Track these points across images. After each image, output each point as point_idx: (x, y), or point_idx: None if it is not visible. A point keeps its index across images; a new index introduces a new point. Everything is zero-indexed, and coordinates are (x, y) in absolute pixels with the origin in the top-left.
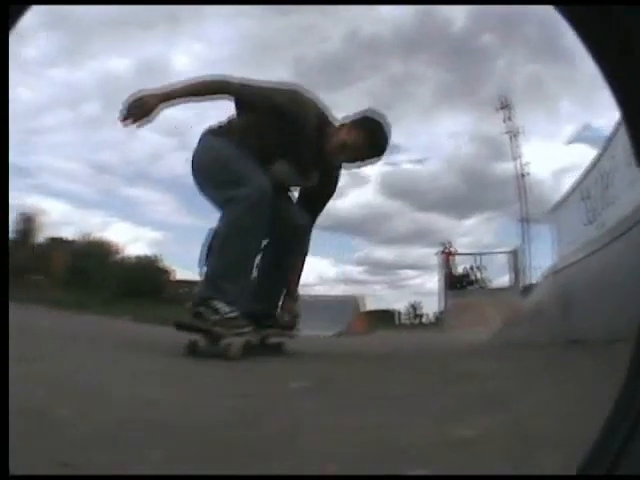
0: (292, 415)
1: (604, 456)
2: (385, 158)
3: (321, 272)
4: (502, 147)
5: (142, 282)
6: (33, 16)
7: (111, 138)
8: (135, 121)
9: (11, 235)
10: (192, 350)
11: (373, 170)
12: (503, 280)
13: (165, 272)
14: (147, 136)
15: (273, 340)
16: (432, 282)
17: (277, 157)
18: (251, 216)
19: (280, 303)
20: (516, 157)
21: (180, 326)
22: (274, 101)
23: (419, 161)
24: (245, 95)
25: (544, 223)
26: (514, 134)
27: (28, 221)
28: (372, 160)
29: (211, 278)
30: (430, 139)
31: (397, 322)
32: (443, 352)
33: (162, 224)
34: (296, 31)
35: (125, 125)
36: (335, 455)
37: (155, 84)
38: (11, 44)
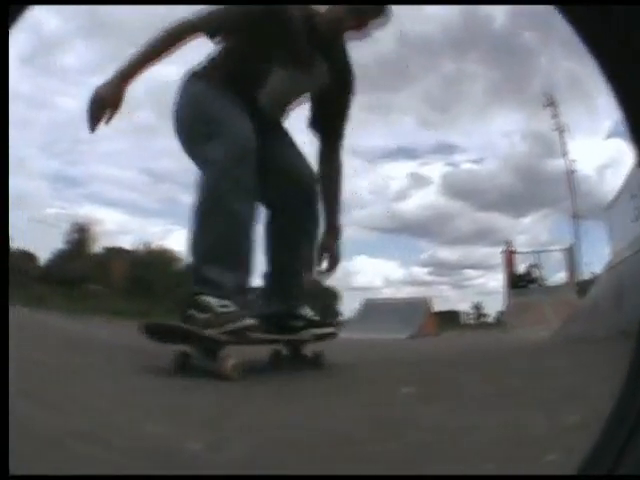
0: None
1: (604, 456)
2: (445, 158)
3: (388, 274)
4: (551, 144)
5: None
6: (69, 23)
7: (167, 146)
8: (104, 121)
9: (65, 246)
10: (181, 365)
11: (434, 171)
12: (558, 277)
13: None
14: None
15: (309, 350)
16: (494, 281)
17: (271, 71)
18: (232, 177)
19: (303, 289)
20: (564, 154)
21: (151, 330)
22: (247, 9)
23: (477, 161)
24: (214, 22)
25: (594, 219)
26: (561, 131)
27: (82, 231)
28: (377, 19)
29: (194, 268)
30: (485, 138)
31: (461, 323)
32: (515, 351)
33: None
34: None
35: (94, 131)
36: (493, 453)
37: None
38: (46, 54)
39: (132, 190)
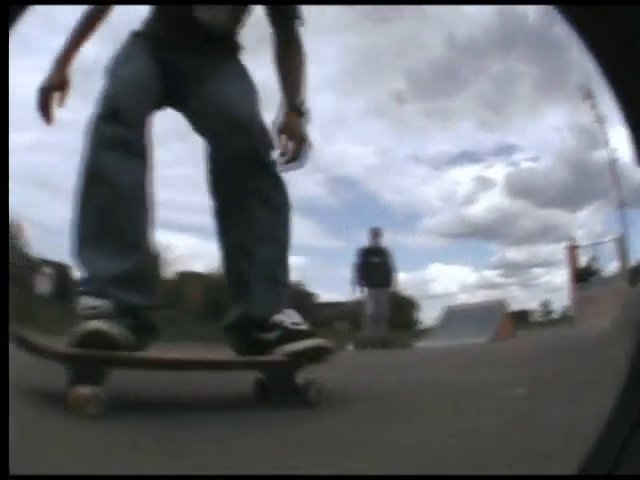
0: None
1: (605, 456)
2: (505, 159)
3: (462, 280)
4: (593, 136)
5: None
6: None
7: None
8: (57, 106)
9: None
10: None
11: (497, 173)
12: (611, 268)
13: (308, 295)
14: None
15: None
16: (558, 277)
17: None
18: (103, 138)
19: (278, 296)
20: (606, 144)
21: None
22: None
23: (534, 159)
24: None
25: (637, 208)
26: (601, 122)
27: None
28: None
29: (73, 257)
30: (538, 135)
31: (531, 321)
32: (594, 343)
33: (302, 249)
34: (397, 40)
35: (50, 121)
36: None
37: (270, 107)
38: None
39: (202, 214)
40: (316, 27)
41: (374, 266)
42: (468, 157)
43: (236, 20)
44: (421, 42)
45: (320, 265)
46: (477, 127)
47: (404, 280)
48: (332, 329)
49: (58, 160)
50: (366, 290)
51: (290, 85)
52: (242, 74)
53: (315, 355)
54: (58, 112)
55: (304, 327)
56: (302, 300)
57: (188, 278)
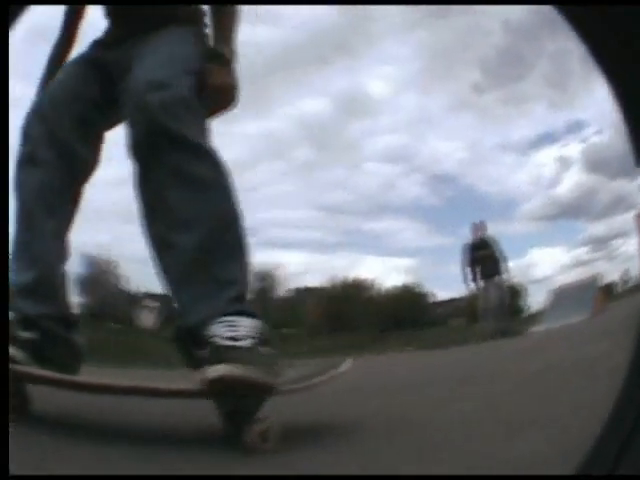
0: None
1: (605, 456)
2: (577, 136)
3: (557, 261)
4: None
5: (403, 311)
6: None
7: (334, 177)
8: None
9: (250, 295)
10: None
11: (573, 150)
12: None
13: (423, 296)
14: (371, 168)
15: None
16: (631, 247)
17: None
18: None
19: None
20: None
21: None
22: None
23: (599, 132)
24: None
25: None
26: None
27: (265, 278)
28: None
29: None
30: (597, 108)
31: (614, 293)
32: None
33: (411, 250)
34: (461, 33)
35: None
36: None
37: (360, 114)
38: None
39: (309, 228)
40: (389, 28)
41: (483, 258)
42: (546, 139)
43: None
44: (483, 31)
45: (431, 264)
46: (548, 108)
47: (510, 268)
48: (448, 327)
49: None
50: (479, 283)
51: (216, 36)
52: (164, 43)
53: (241, 388)
54: None
55: (243, 343)
56: (418, 301)
57: (305, 294)
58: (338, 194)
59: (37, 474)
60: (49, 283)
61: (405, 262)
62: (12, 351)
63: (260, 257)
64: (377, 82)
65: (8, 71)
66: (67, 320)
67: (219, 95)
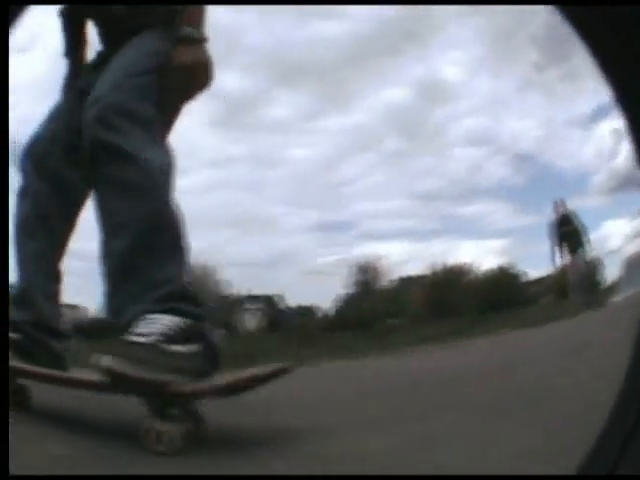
0: None
1: (604, 456)
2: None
3: (624, 231)
4: None
5: (499, 293)
6: (255, 78)
7: (424, 164)
8: None
9: (350, 289)
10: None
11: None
12: None
13: (517, 276)
14: (458, 153)
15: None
16: None
17: None
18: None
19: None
20: None
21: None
22: None
23: None
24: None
25: None
26: None
27: (366, 270)
28: None
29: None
30: None
31: None
32: None
33: (502, 231)
34: (511, 14)
35: None
36: None
37: (440, 100)
38: (244, 114)
39: (404, 217)
40: (449, 14)
41: (567, 234)
42: (602, 113)
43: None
44: (531, 11)
45: (520, 244)
46: (597, 81)
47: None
48: (539, 305)
49: (236, 195)
50: (566, 258)
51: (184, 20)
52: (121, 55)
53: (123, 382)
54: (226, 149)
55: (145, 339)
56: (512, 282)
57: (407, 283)
58: (429, 181)
59: (37, 474)
60: (29, 296)
61: (497, 244)
62: None
63: (361, 250)
64: (450, 67)
65: (8, 71)
66: (47, 327)
67: (192, 73)
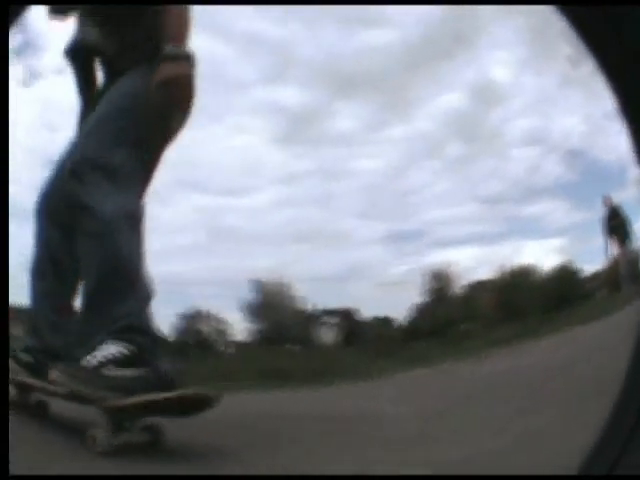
0: None
1: (604, 456)
2: None
3: None
4: None
5: (561, 291)
6: (319, 91)
7: (488, 168)
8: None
9: (425, 298)
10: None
11: None
12: None
13: (577, 273)
14: (515, 153)
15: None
16: None
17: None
18: None
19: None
20: None
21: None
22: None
23: None
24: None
25: None
26: None
27: (439, 278)
28: None
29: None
30: None
31: None
32: None
33: (561, 229)
34: (542, 12)
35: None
36: None
37: (493, 102)
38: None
39: (471, 222)
40: (489, 16)
41: (616, 227)
42: None
43: (116, 42)
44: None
45: (577, 240)
46: None
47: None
48: (595, 299)
49: (305, 210)
50: (616, 251)
51: (165, 37)
52: (104, 99)
53: (64, 394)
54: (291, 164)
55: (87, 363)
56: (573, 279)
57: (478, 287)
58: (492, 184)
59: (37, 474)
60: (37, 327)
61: (556, 242)
62: (14, 366)
63: (432, 257)
64: (498, 68)
65: (8, 71)
66: (51, 352)
67: (177, 88)
